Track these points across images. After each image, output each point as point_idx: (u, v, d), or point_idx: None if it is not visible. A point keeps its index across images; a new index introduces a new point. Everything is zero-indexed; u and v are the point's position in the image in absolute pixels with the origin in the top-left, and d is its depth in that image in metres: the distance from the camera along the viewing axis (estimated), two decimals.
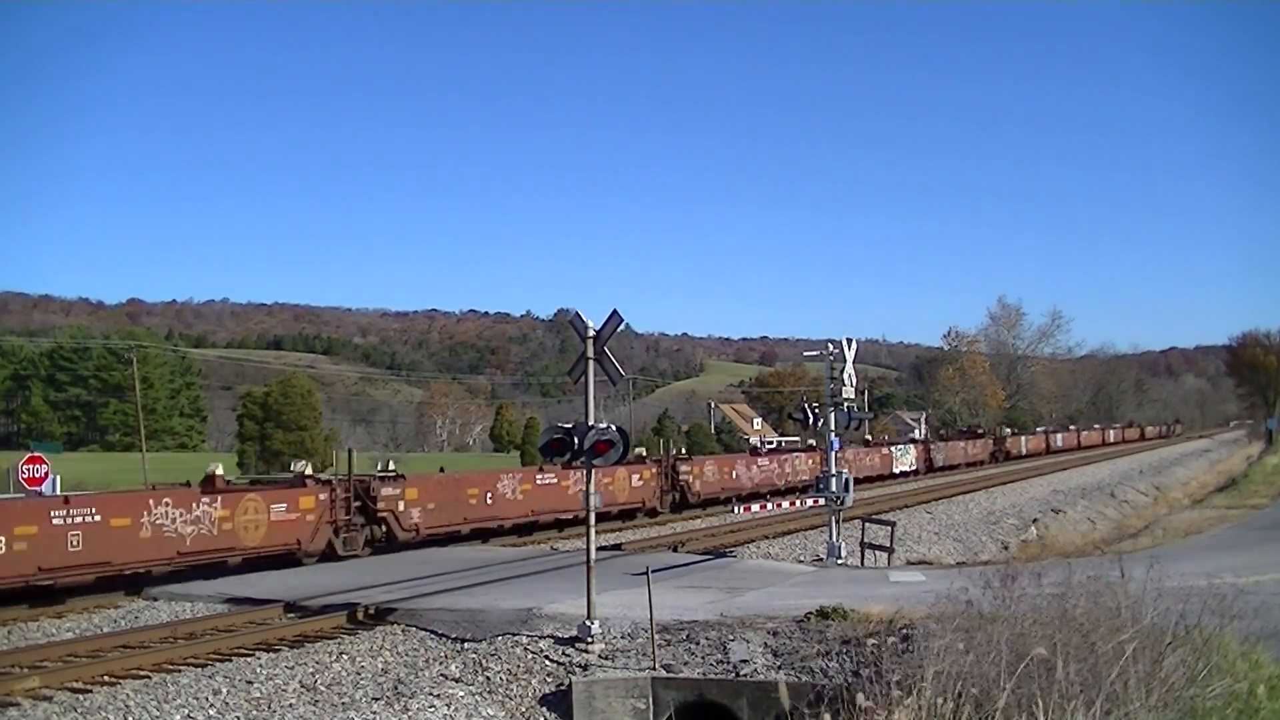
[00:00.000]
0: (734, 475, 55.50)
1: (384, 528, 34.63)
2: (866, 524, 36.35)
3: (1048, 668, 12.49)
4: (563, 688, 18.35)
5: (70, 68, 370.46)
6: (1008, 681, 12.39)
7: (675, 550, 34.80)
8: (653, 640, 18.85)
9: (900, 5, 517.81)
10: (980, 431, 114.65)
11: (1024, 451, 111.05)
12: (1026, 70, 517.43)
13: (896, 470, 77.08)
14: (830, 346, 32.42)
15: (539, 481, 41.36)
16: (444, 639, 21.11)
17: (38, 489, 36.74)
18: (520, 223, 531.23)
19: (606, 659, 19.26)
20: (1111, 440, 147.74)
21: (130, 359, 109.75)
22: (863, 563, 34.06)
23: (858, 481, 54.70)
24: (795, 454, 64.64)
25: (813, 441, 75.63)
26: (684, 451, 63.13)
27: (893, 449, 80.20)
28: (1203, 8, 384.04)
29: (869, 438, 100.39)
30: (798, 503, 39.74)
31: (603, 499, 36.87)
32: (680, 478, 50.73)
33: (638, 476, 46.93)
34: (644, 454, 51.15)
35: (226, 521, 29.83)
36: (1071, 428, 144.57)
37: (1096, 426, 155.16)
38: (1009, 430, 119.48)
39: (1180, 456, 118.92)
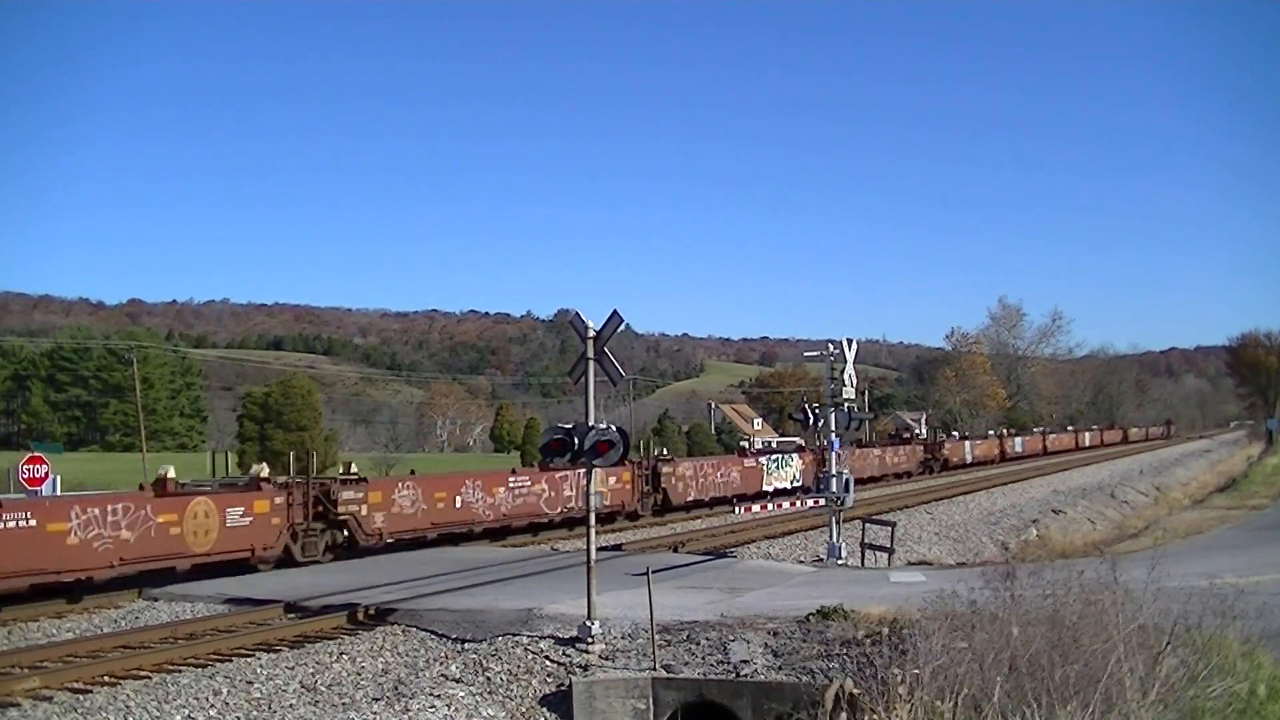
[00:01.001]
0: (456, 503, 37.59)
1: None
2: (867, 524, 36.36)
3: (1045, 667, 12.50)
4: (563, 688, 18.36)
5: (71, 70, 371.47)
6: (1006, 681, 12.40)
7: (676, 550, 34.82)
8: (653, 640, 18.86)
9: (902, 9, 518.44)
10: (908, 436, 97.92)
11: (969, 460, 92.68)
12: (1026, 75, 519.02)
13: (767, 488, 57.01)
14: (830, 347, 32.43)
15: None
16: (444, 639, 21.11)
17: (37, 489, 36.72)
18: (520, 223, 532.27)
19: (607, 659, 19.27)
20: (1087, 444, 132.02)
21: (130, 359, 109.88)
22: (863, 563, 34.07)
23: (702, 504, 50.62)
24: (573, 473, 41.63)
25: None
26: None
27: (762, 460, 59.45)
28: (1201, 13, 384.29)
29: (744, 444, 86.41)
30: (797, 503, 39.41)
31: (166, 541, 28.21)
32: (339, 510, 33.26)
33: (241, 510, 30.23)
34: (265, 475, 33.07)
35: None
36: (1036, 430, 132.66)
37: (1070, 429, 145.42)
38: (954, 434, 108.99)
39: (1180, 457, 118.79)
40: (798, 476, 60.07)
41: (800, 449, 68.45)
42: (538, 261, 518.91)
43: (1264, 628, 15.53)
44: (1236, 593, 16.42)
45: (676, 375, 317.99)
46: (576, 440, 20.09)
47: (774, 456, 61.76)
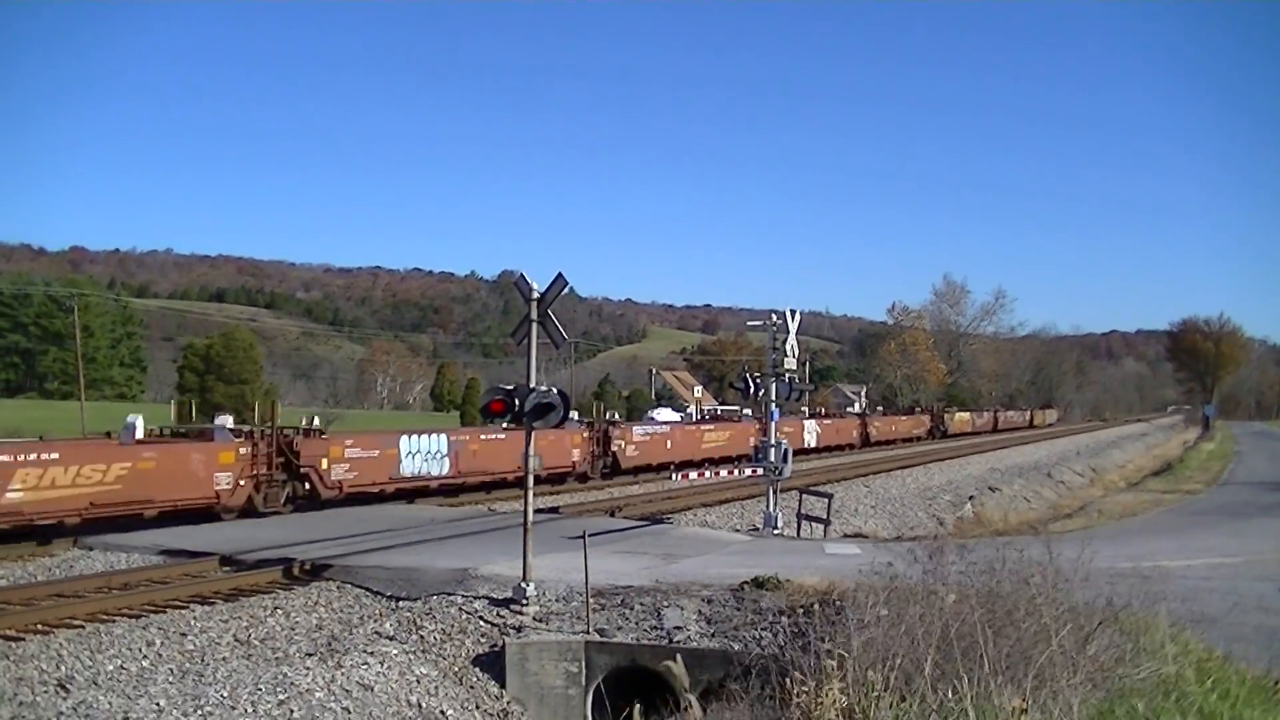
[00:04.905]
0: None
1: None
2: (804, 495, 36.46)
3: (979, 644, 12.59)
4: (496, 649, 18.41)
5: (13, 19, 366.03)
6: (936, 655, 12.48)
7: (612, 515, 34.81)
8: (587, 604, 18.91)
9: None
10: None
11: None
12: (975, 57, 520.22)
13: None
14: (773, 317, 32.41)
15: None
16: (379, 597, 21.10)
17: None
18: (468, 183, 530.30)
19: (541, 621, 19.32)
20: (877, 438, 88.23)
21: (71, 306, 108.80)
22: (799, 533, 34.15)
23: None
24: None
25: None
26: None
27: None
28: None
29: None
30: (735, 471, 39.32)
31: None
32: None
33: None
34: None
35: None
36: (874, 413, 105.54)
37: (919, 411, 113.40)
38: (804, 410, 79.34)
39: (1117, 439, 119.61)
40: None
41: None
42: (484, 222, 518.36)
43: (1193, 611, 15.68)
44: (1167, 575, 16.59)
45: (619, 340, 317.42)
46: (517, 401, 20.09)
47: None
